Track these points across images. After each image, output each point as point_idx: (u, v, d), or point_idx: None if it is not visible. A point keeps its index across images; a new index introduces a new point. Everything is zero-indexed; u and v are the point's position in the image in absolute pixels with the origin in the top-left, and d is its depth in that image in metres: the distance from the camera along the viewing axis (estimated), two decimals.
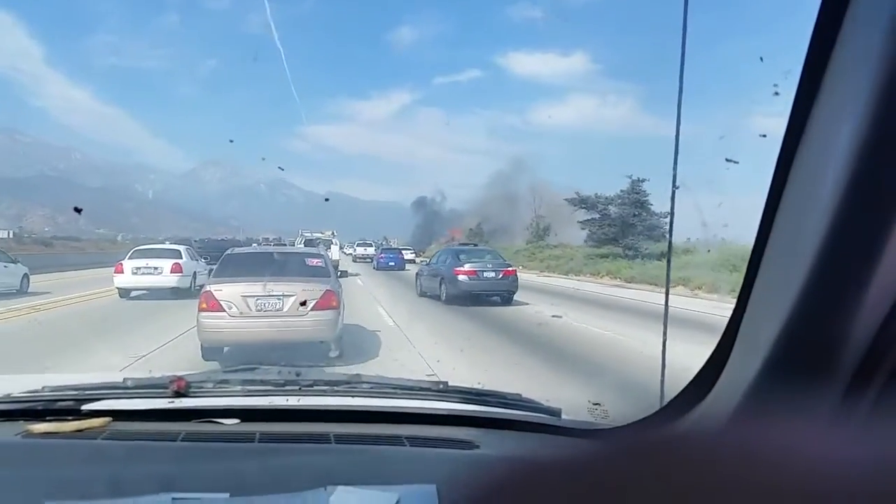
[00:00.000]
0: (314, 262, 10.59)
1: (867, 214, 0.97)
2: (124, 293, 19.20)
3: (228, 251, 11.30)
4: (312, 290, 9.40)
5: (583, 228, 46.15)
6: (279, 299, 9.25)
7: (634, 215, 39.57)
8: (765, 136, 2.12)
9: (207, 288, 9.47)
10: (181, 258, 19.97)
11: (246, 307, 9.14)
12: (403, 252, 45.70)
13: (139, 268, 19.25)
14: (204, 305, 9.18)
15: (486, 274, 18.68)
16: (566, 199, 46.95)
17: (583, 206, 44.22)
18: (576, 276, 37.22)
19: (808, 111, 1.07)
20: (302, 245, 26.76)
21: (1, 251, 21.63)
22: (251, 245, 16.10)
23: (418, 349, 10.83)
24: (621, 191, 41.47)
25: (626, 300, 20.62)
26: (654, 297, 18.52)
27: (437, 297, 19.34)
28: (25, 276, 21.29)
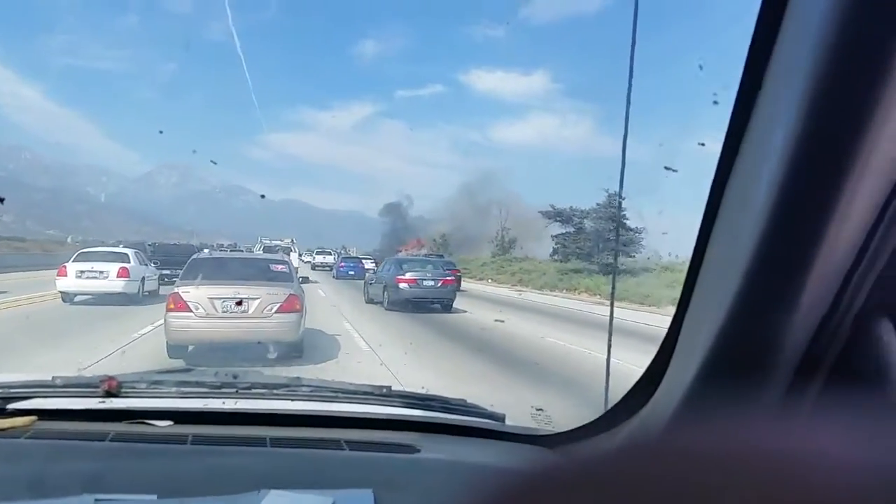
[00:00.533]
0: (278, 267, 11.09)
1: (802, 219, 0.98)
2: (67, 297, 18.36)
3: (195, 255, 11.80)
4: (276, 293, 9.93)
5: (556, 243, 45.40)
6: (245, 302, 9.70)
7: (610, 230, 38.30)
8: (703, 144, 2.20)
9: (175, 289, 9.89)
10: (128, 262, 19.13)
11: (212, 308, 9.58)
12: (364, 261, 45.30)
13: (83, 271, 18.37)
14: (172, 306, 9.60)
15: (425, 282, 19.66)
16: (540, 212, 46.14)
17: (557, 219, 43.62)
18: (550, 291, 35.87)
19: (745, 119, 1.08)
20: (261, 251, 27.37)
21: None
22: (203, 251, 16.13)
23: (370, 346, 12.34)
24: (597, 204, 40.67)
25: (626, 322, 16.44)
26: (651, 318, 16.22)
27: (381, 304, 20.33)
28: None
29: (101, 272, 18.36)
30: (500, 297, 24.75)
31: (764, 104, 1.06)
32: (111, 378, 1.88)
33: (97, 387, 1.86)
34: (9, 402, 1.78)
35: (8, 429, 1.65)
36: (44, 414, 1.76)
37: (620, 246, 34.76)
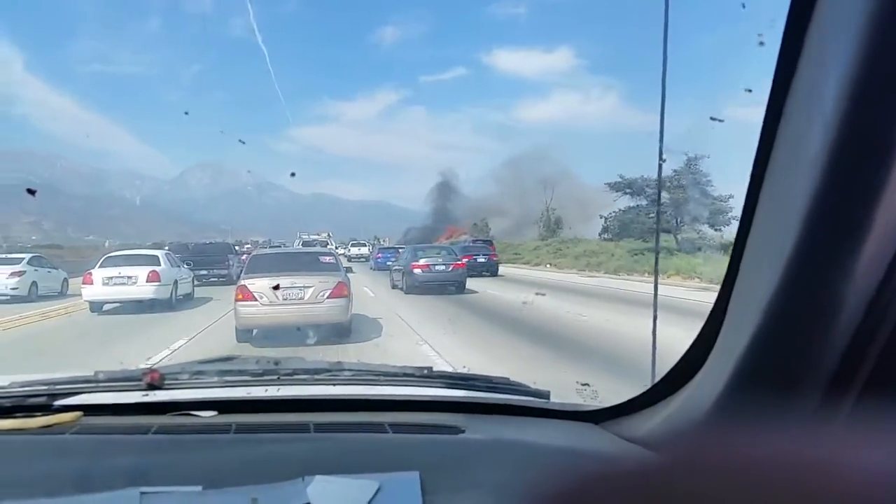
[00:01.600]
0: (327, 259, 12.84)
1: (860, 169, 0.92)
2: (96, 307, 17.16)
3: (254, 252, 14.39)
4: (327, 282, 11.39)
5: (610, 220, 41.66)
6: (301, 290, 11.19)
7: (693, 199, 32.06)
8: (750, 90, 2.04)
9: (242, 282, 11.43)
10: (159, 265, 17.78)
11: (274, 297, 11.04)
12: (400, 251, 45.65)
13: (111, 277, 16.98)
14: (240, 296, 11.16)
15: (437, 267, 21.74)
16: (607, 184, 40.53)
17: (627, 190, 37.92)
18: (628, 274, 29.92)
19: (795, 60, 1.02)
20: (301, 246, 29.91)
21: (43, 258, 22.81)
22: (263, 248, 18.02)
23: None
24: (674, 171, 33.12)
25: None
26: None
27: (401, 289, 22.32)
28: (65, 280, 22.15)
29: (130, 277, 17.01)
30: (575, 286, 22.34)
31: (814, 40, 0.99)
32: (154, 370, 1.86)
33: (140, 380, 1.85)
34: (55, 399, 1.77)
35: (54, 425, 1.65)
36: (89, 409, 1.75)
37: (707, 215, 30.87)
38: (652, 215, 35.08)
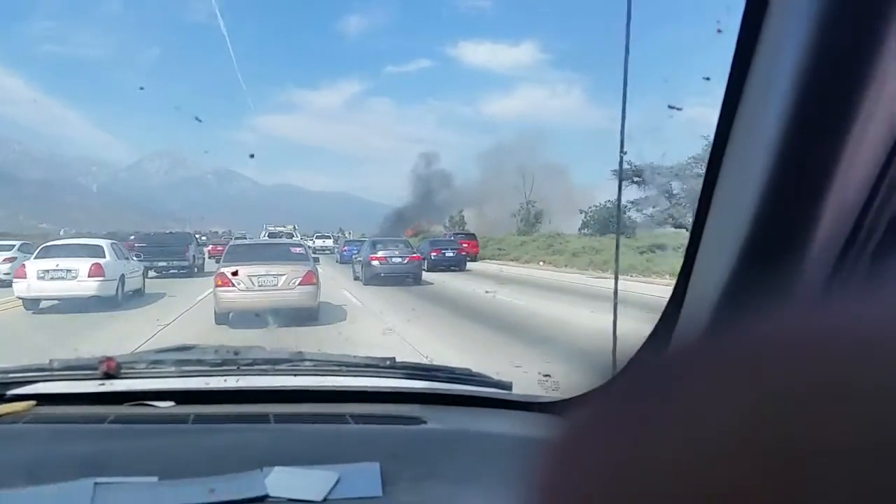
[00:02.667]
0: (297, 249, 14.47)
1: (815, 150, 0.95)
2: (30, 304, 14.74)
3: (232, 242, 16.42)
4: (297, 270, 12.63)
5: (637, 210, 36.01)
6: (275, 277, 12.39)
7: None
8: (708, 78, 2.19)
9: (221, 270, 12.53)
10: (103, 257, 15.35)
11: (250, 283, 12.23)
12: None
13: (47, 271, 14.53)
14: (220, 282, 12.26)
15: (394, 259, 22.43)
16: (612, 171, 37.84)
17: (635, 179, 35.77)
18: (643, 276, 24.57)
19: (752, 46, 1.04)
20: (266, 237, 30.33)
21: (31, 244, 20.94)
22: (238, 238, 20.77)
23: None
24: (691, 158, 30.58)
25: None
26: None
27: (361, 280, 22.88)
28: None
29: (69, 271, 14.62)
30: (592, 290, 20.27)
31: (771, 28, 1.01)
32: (110, 359, 1.85)
33: (96, 369, 1.83)
34: (8, 388, 1.76)
35: (6, 414, 1.63)
36: (43, 399, 1.74)
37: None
38: (659, 208, 32.28)
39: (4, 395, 1.74)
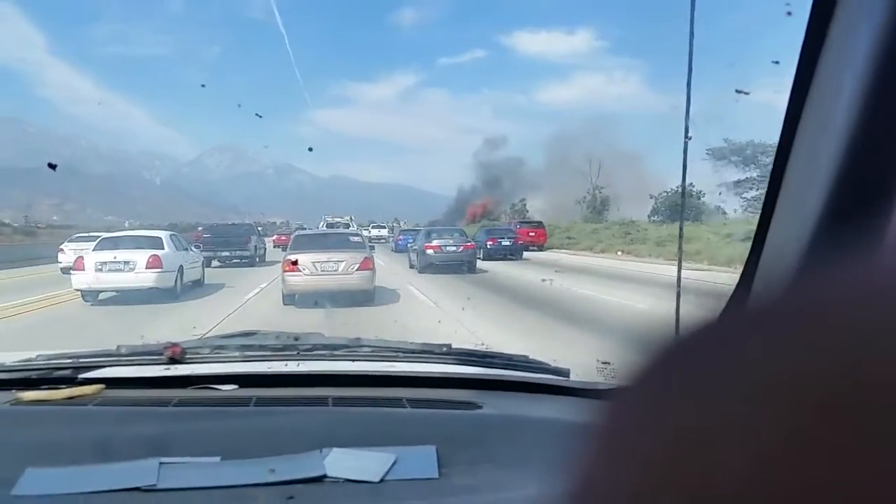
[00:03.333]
0: (355, 238, 16.05)
1: (889, 138, 0.91)
2: (89, 296, 14.51)
3: (297, 233, 19.26)
4: (356, 257, 14.00)
5: (737, 193, 34.31)
6: (336, 262, 13.75)
7: None
8: (777, 62, 2.13)
9: (288, 256, 13.90)
10: (161, 248, 15.04)
11: (314, 268, 13.63)
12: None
13: (104, 262, 14.24)
14: (287, 268, 13.62)
15: (448, 248, 22.65)
16: (708, 151, 33.75)
17: (734, 158, 32.88)
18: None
19: (824, 28, 1.01)
20: (325, 228, 32.11)
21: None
22: (304, 228, 24.51)
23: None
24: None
25: None
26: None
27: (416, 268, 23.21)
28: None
29: (127, 262, 14.30)
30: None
31: (843, 9, 0.98)
32: (175, 345, 1.89)
33: (161, 354, 1.88)
34: (79, 372, 1.81)
35: (77, 397, 1.68)
36: (111, 382, 1.77)
37: None
38: (757, 190, 29.70)
39: (76, 378, 1.79)
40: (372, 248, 17.36)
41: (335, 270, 13.76)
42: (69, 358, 1.91)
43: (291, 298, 13.62)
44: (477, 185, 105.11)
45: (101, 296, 14.81)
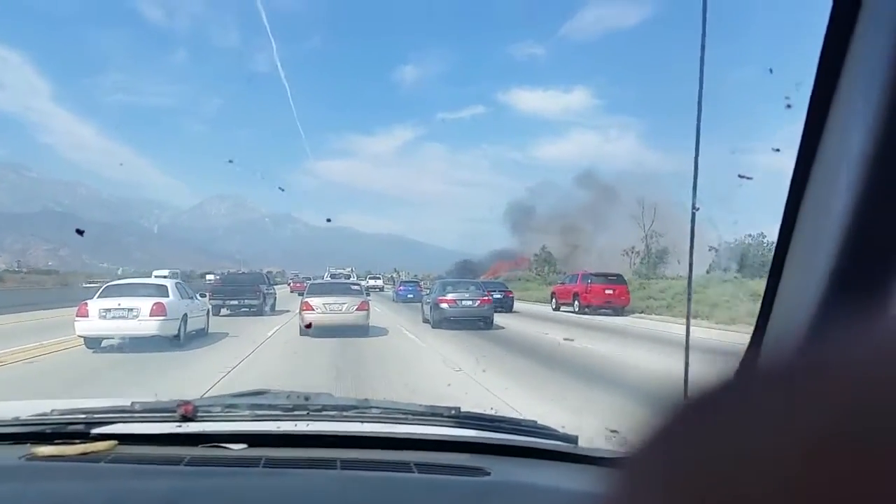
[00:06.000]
0: (355, 286, 20.77)
1: (887, 231, 0.96)
2: (92, 343, 14.37)
3: (312, 281, 26.75)
4: (355, 300, 18.53)
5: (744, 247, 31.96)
6: (340, 304, 18.22)
7: None
8: (778, 150, 2.22)
9: (305, 299, 18.60)
10: (166, 296, 15.01)
11: (324, 308, 18.06)
12: (421, 284, 46.75)
13: (108, 309, 14.16)
14: (304, 308, 18.10)
15: (464, 302, 21.62)
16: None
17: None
18: None
19: (822, 120, 1.07)
20: (329, 277, 35.76)
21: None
22: (322, 277, 30.25)
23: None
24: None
25: None
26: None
27: (429, 322, 22.41)
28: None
29: (131, 310, 14.18)
30: None
31: (840, 103, 1.04)
32: (187, 403, 1.90)
33: (174, 411, 1.88)
34: (92, 427, 1.81)
35: (91, 453, 1.68)
36: (124, 438, 1.79)
37: None
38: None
39: (89, 433, 1.79)
40: (368, 294, 21.24)
41: (340, 310, 18.13)
42: (83, 413, 1.91)
43: (306, 331, 17.20)
44: (505, 235, 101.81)
45: (104, 343, 14.63)
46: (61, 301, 23.50)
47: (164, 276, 30.95)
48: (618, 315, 27.86)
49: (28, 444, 1.74)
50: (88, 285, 22.91)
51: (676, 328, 19.52)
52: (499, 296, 28.11)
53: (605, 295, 28.54)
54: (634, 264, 47.05)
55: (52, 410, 1.94)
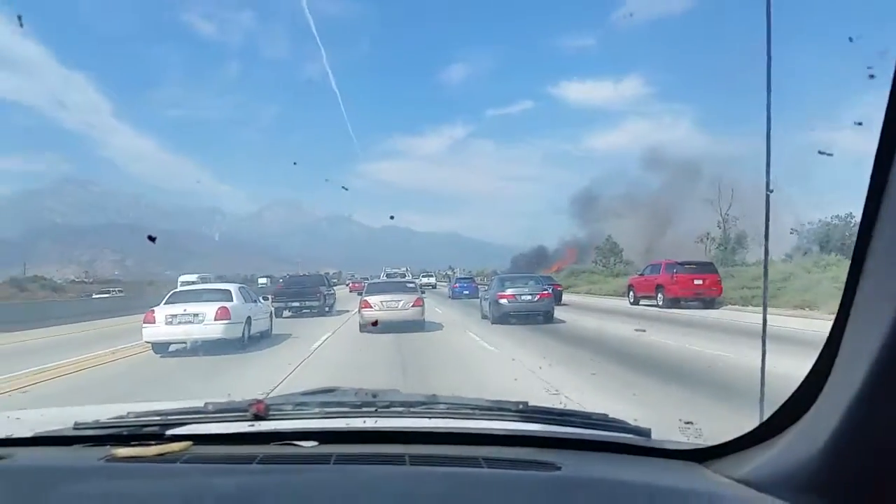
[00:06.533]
0: (410, 285, 21.83)
1: None
2: (160, 348, 14.82)
3: (369, 282, 26.06)
4: (411, 297, 19.66)
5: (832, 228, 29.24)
6: (396, 301, 19.39)
7: None
8: (860, 123, 2.11)
9: (364, 298, 19.70)
10: (230, 300, 15.28)
11: (381, 305, 19.21)
12: (476, 280, 47.72)
13: (174, 315, 14.52)
14: (364, 306, 19.31)
15: (523, 297, 21.29)
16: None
17: None
18: None
19: None
20: (385, 278, 37.04)
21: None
22: (379, 277, 34.74)
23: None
24: None
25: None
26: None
27: (489, 318, 22.17)
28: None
29: (196, 315, 14.54)
30: None
31: None
32: (259, 402, 1.93)
33: (246, 411, 1.91)
34: (167, 429, 1.85)
35: (167, 453, 1.71)
36: (198, 439, 1.81)
37: None
38: None
39: (163, 434, 1.82)
40: (423, 292, 22.72)
41: (396, 307, 19.28)
42: (158, 415, 1.95)
43: (366, 327, 18.54)
44: (572, 227, 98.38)
45: (172, 347, 15.01)
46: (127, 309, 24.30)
47: (193, 281, 32.83)
48: (708, 308, 25.32)
49: (108, 446, 1.77)
50: (99, 296, 23.19)
51: (794, 322, 17.67)
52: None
53: (694, 286, 25.90)
54: (710, 251, 42.73)
55: (129, 413, 1.99)
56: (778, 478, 1.32)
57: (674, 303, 26.10)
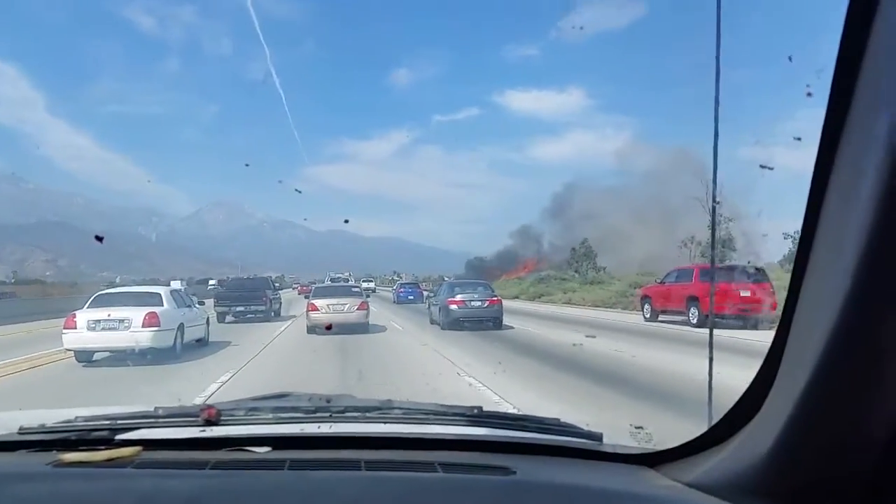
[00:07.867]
0: (355, 289, 23.02)
1: None
2: (82, 356, 13.40)
3: (316, 285, 27.72)
4: (355, 301, 20.68)
5: None
6: (342, 304, 20.34)
7: None
8: (799, 139, 2.16)
9: (311, 301, 20.66)
10: (160, 305, 13.91)
11: (328, 308, 20.13)
12: (422, 286, 48.06)
13: (98, 320, 13.08)
14: (310, 309, 20.27)
15: (473, 303, 21.38)
16: None
17: None
18: None
19: (845, 108, 1.05)
20: (329, 282, 36.81)
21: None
22: (325, 281, 35.34)
23: None
24: None
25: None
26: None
27: (438, 324, 22.21)
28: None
29: (122, 320, 13.14)
30: None
31: (863, 89, 1.02)
32: (210, 407, 1.90)
33: (197, 416, 1.88)
34: (116, 433, 1.82)
35: (116, 459, 1.67)
36: (149, 444, 1.78)
37: None
38: None
39: (113, 439, 1.79)
40: (368, 296, 23.71)
41: (342, 310, 20.08)
42: (107, 419, 1.91)
43: (313, 329, 19.66)
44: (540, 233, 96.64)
45: (95, 356, 13.69)
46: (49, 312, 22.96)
47: (179, 289, 30.32)
48: (753, 328, 17.35)
49: (54, 451, 1.71)
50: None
51: None
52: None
53: (741, 298, 18.47)
54: (695, 257, 38.50)
55: (77, 417, 1.94)
56: (725, 481, 1.35)
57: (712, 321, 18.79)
